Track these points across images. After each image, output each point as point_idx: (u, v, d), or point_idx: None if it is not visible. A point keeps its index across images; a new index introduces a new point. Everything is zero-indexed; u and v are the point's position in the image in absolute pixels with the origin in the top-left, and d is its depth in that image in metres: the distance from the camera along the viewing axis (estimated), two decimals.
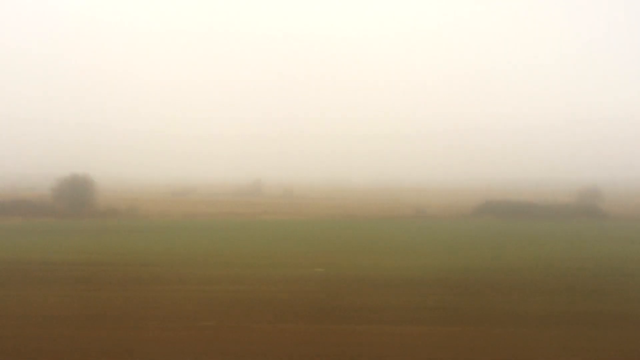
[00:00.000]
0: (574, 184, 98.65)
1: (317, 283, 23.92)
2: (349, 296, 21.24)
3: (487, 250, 38.22)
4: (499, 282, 24.78)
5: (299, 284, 23.68)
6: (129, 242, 42.33)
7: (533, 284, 24.45)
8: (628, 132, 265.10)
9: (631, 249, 38.78)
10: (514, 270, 28.23)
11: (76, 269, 27.93)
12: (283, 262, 30.41)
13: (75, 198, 75.05)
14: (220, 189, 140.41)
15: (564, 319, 18.05)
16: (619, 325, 17.30)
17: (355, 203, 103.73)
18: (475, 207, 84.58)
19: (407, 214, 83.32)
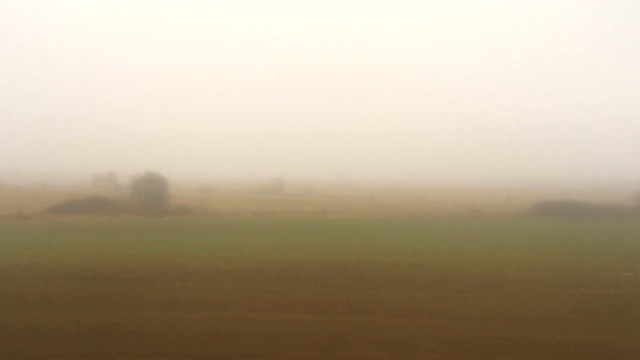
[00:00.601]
0: (622, 184, 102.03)
1: None
2: None
3: None
4: None
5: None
6: (304, 241, 42.71)
7: None
8: None
9: None
10: None
11: (371, 269, 28.56)
12: (565, 265, 31.42)
13: (151, 196, 74.53)
14: (240, 187, 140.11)
15: None
16: None
17: (403, 202, 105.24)
18: (531, 207, 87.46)
19: (463, 213, 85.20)
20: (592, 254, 37.03)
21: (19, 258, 31.06)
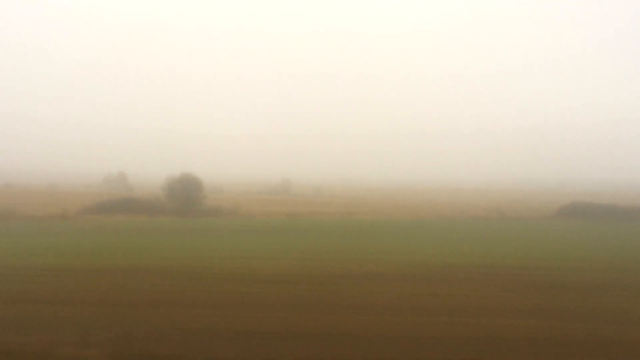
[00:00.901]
0: (626, 185, 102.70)
1: None
2: None
3: None
4: None
5: None
6: (355, 242, 42.30)
7: None
8: None
9: None
10: None
11: (508, 272, 28.30)
12: None
13: (187, 197, 73.68)
14: (246, 188, 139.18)
15: None
16: None
17: (422, 203, 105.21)
18: (558, 209, 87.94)
19: (490, 215, 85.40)
20: None
21: (133, 260, 30.31)
